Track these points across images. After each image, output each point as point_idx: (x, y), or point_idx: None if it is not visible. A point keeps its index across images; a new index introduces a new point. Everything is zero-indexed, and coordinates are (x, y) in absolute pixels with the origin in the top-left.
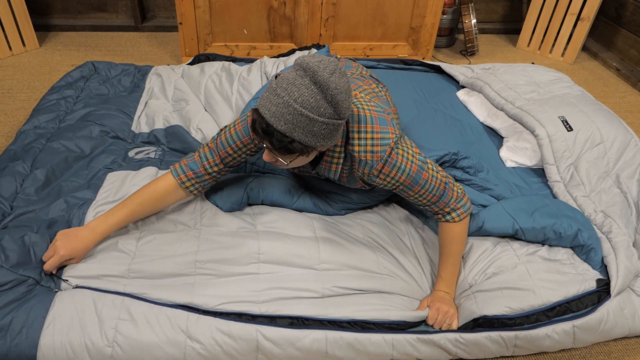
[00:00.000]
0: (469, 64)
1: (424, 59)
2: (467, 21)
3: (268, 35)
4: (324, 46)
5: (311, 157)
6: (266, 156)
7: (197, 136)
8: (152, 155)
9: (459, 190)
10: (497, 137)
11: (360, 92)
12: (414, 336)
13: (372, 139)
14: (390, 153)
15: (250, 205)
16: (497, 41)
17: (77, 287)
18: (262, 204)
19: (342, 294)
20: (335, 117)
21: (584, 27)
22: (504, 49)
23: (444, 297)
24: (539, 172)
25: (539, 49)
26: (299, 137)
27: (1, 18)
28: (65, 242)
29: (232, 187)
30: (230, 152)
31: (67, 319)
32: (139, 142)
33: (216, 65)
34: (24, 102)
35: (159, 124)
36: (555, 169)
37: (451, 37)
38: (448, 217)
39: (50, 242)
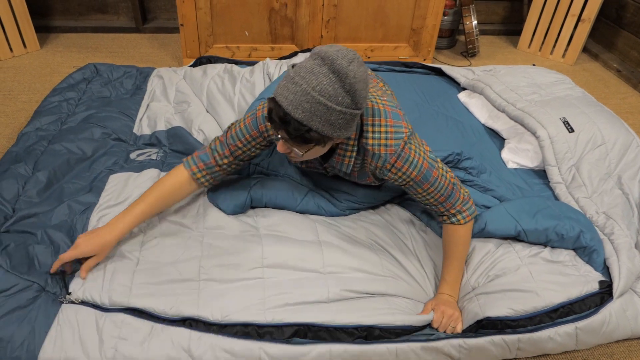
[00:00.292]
0: (470, 65)
1: (424, 60)
2: (468, 22)
3: (269, 36)
4: None
5: (326, 148)
6: (280, 147)
7: (199, 137)
8: (153, 157)
9: (466, 193)
10: (498, 139)
11: (371, 88)
12: (419, 345)
13: (386, 132)
14: (404, 147)
15: (253, 207)
16: (498, 42)
17: (82, 302)
18: (266, 206)
19: (348, 297)
20: (352, 107)
21: (584, 29)
22: (504, 50)
23: (448, 300)
24: (541, 174)
25: (540, 50)
26: (316, 126)
27: (2, 19)
28: (86, 240)
29: (235, 190)
30: (240, 145)
31: (68, 335)
32: (140, 144)
33: (219, 67)
34: (25, 103)
35: (161, 126)
36: (556, 171)
37: (452, 38)
38: (454, 219)
39: (54, 250)
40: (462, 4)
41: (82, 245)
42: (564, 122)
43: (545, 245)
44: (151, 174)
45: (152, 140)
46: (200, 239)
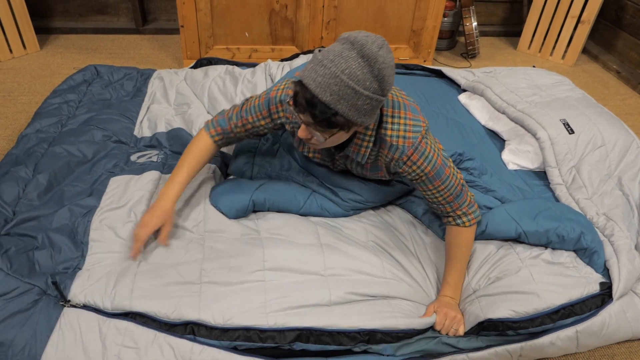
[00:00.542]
0: (470, 66)
1: (425, 61)
2: (468, 24)
3: (269, 38)
4: None
5: (349, 134)
6: (302, 132)
7: None
8: (154, 158)
9: (472, 197)
10: (499, 140)
11: None
12: None
13: (405, 124)
14: (421, 141)
15: (255, 211)
16: (498, 44)
17: (84, 306)
18: (269, 210)
19: (350, 300)
20: (379, 93)
21: (584, 30)
22: (504, 52)
23: (450, 303)
24: (541, 175)
25: (540, 51)
26: (343, 111)
27: (2, 21)
28: (151, 215)
29: (237, 194)
30: (251, 120)
31: (70, 341)
32: (141, 146)
33: (220, 68)
34: (25, 105)
35: (161, 128)
36: (557, 172)
37: (452, 39)
38: (459, 221)
39: (55, 249)
40: (462, 6)
41: (150, 221)
42: (564, 124)
43: (546, 246)
44: (152, 176)
45: (153, 142)
46: (201, 242)
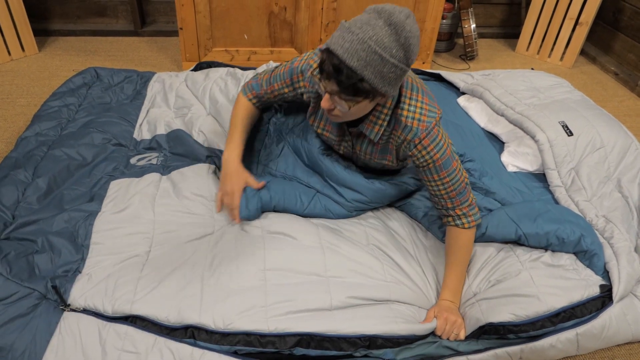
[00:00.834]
0: (469, 68)
1: (423, 63)
2: (466, 26)
3: (268, 40)
4: None
5: (371, 106)
6: (325, 102)
7: (199, 138)
8: (154, 161)
9: (474, 198)
10: (498, 143)
11: None
12: None
13: (422, 108)
14: (434, 127)
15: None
16: (496, 45)
17: (84, 310)
18: (274, 210)
19: (350, 305)
20: (404, 62)
21: (582, 32)
22: (503, 54)
23: (450, 307)
24: (541, 177)
25: (538, 53)
26: (369, 77)
27: (0, 23)
28: (230, 182)
29: (246, 194)
30: (277, 87)
31: (70, 346)
32: (140, 149)
33: (221, 70)
34: (23, 107)
35: (161, 130)
36: (556, 174)
37: (450, 41)
38: (458, 222)
39: (54, 253)
40: (460, 8)
41: (233, 187)
42: (563, 126)
43: (546, 249)
44: (152, 178)
45: (152, 145)
46: (203, 245)
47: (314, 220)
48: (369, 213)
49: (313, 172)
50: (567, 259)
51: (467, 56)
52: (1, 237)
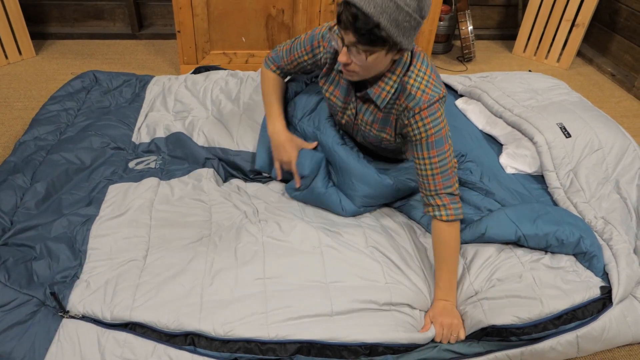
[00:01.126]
0: (466, 70)
1: None
2: (463, 28)
3: (266, 42)
4: None
5: (387, 60)
6: (343, 56)
7: (200, 140)
8: (152, 165)
9: (458, 190)
10: (496, 144)
11: None
12: None
13: (428, 81)
14: (436, 102)
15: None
16: (494, 47)
17: (83, 317)
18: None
19: (351, 309)
20: (417, 13)
21: (578, 33)
22: (500, 55)
23: (446, 308)
24: (539, 179)
25: (535, 54)
26: (384, 23)
27: None
28: (284, 151)
29: (303, 156)
30: (297, 56)
31: (69, 353)
32: (139, 152)
33: (221, 72)
34: (21, 111)
35: (160, 133)
36: (554, 176)
37: (448, 43)
38: (437, 213)
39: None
40: (457, 10)
41: (289, 154)
42: (560, 128)
43: (545, 251)
44: (150, 183)
45: (151, 148)
46: (202, 251)
47: (314, 224)
48: (368, 215)
49: (328, 162)
50: (566, 261)
51: (465, 58)
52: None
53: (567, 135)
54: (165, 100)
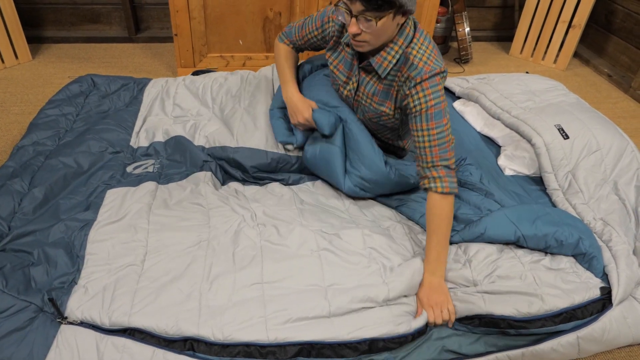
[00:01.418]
0: (463, 71)
1: None
2: (460, 29)
3: (263, 45)
4: None
5: (394, 25)
6: (352, 27)
7: (201, 142)
8: (150, 169)
9: (454, 166)
10: (495, 146)
11: None
12: None
13: (430, 55)
14: (437, 75)
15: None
16: (490, 49)
17: (81, 323)
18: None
19: (349, 310)
20: None
21: (575, 34)
22: (497, 57)
23: (432, 284)
24: (538, 181)
25: (532, 56)
26: None
27: None
28: (301, 110)
29: (318, 113)
30: (308, 31)
31: (67, 359)
32: (137, 156)
33: (222, 73)
34: (17, 115)
35: (159, 137)
36: (553, 177)
37: (445, 45)
38: (432, 185)
39: (50, 265)
40: (454, 11)
41: (305, 111)
42: (558, 129)
43: (545, 252)
44: (149, 187)
45: (150, 151)
46: (200, 256)
47: (312, 227)
48: (366, 215)
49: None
50: (566, 262)
51: (462, 59)
52: None
53: (565, 136)
54: (164, 104)
